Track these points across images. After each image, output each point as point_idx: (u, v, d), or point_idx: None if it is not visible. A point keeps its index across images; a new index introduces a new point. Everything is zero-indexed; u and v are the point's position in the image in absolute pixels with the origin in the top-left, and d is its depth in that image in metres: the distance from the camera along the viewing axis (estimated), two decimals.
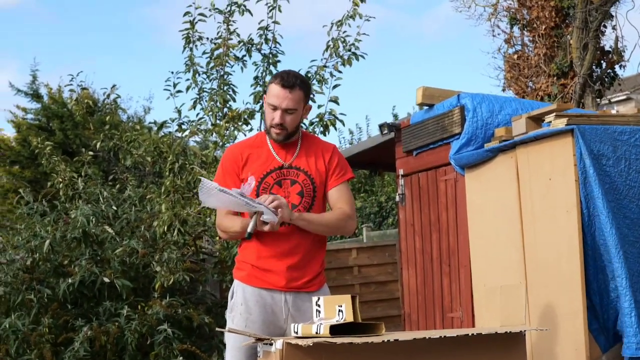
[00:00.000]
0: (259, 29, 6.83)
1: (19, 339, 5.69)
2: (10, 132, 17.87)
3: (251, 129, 6.68)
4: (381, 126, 6.26)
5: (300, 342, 2.58)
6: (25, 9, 38.69)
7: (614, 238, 4.31)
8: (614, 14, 11.21)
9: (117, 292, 5.95)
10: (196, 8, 6.77)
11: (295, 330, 2.80)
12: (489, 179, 5.13)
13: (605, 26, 11.13)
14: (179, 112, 6.87)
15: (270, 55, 6.82)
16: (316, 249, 3.38)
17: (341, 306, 2.73)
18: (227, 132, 6.59)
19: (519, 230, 4.86)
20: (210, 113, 6.79)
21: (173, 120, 6.91)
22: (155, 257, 6.15)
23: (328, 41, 6.71)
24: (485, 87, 47.80)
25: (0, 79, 40.43)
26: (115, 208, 6.68)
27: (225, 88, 6.81)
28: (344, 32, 6.67)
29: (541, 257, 4.69)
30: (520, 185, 4.87)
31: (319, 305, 2.81)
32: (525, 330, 2.99)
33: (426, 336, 2.69)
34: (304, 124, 6.51)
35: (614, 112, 6.21)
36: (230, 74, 6.87)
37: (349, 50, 6.67)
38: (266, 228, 3.14)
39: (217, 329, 3.48)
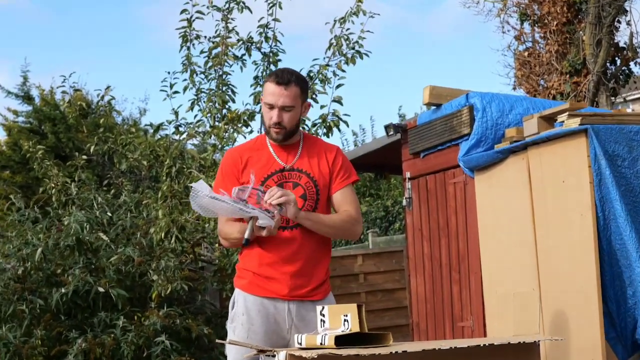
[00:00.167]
0: (258, 26, 6.84)
1: (10, 352, 5.69)
2: (0, 136, 17.93)
3: (251, 131, 6.70)
4: (387, 127, 6.25)
5: (304, 353, 2.57)
6: (15, 7, 38.79)
7: (634, 242, 4.30)
8: (628, 8, 11.20)
9: (112, 302, 5.95)
10: (193, 5, 6.78)
11: (299, 341, 2.79)
12: (500, 182, 5.12)
13: (619, 21, 11.11)
14: (176, 113, 6.87)
15: (271, 54, 6.82)
16: (321, 255, 3.37)
17: (347, 316, 2.72)
18: (226, 134, 6.59)
19: (532, 235, 4.85)
20: (209, 114, 6.79)
21: (170, 123, 6.91)
22: (152, 266, 6.16)
23: (331, 39, 6.72)
24: (495, 85, 47.85)
25: None
26: (110, 214, 6.68)
27: (224, 88, 6.82)
28: (348, 29, 6.68)
29: (555, 263, 4.67)
30: (532, 188, 4.86)
31: (323, 315, 2.81)
32: (539, 340, 2.98)
33: (436, 347, 2.68)
34: (306, 125, 6.52)
35: (629, 110, 6.19)
36: (229, 74, 6.88)
37: (353, 48, 6.67)
38: (263, 233, 3.14)
39: (217, 340, 3.48)
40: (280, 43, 6.86)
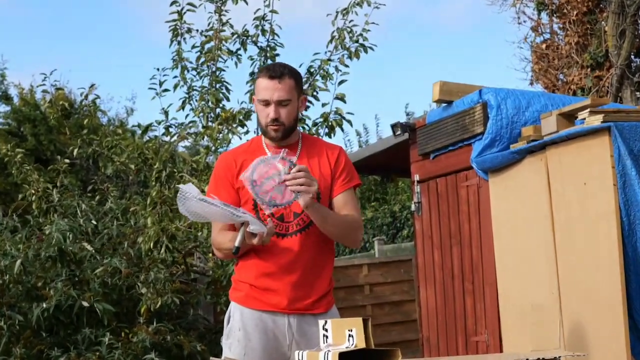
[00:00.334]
0: (254, 19, 6.84)
1: None
2: None
3: (247, 132, 6.70)
4: (394, 126, 6.26)
5: None
6: None
7: None
8: None
9: (97, 318, 5.95)
10: None
11: (300, 358, 2.79)
12: (516, 185, 5.13)
13: None
14: (166, 113, 6.88)
15: (268, 49, 6.83)
16: (323, 264, 3.37)
17: (351, 330, 2.72)
18: (220, 135, 6.59)
19: (551, 242, 4.85)
20: (201, 114, 6.80)
21: (159, 123, 6.92)
22: (140, 278, 6.15)
23: (333, 32, 6.72)
24: (510, 81, 47.76)
25: None
26: (94, 222, 6.68)
27: (217, 86, 6.82)
28: (351, 21, 6.68)
29: (576, 272, 4.67)
30: (551, 191, 4.86)
31: (326, 330, 2.81)
32: (559, 356, 2.98)
33: None
34: (307, 125, 6.52)
35: None
36: (223, 70, 6.89)
37: (356, 42, 6.67)
38: (254, 241, 3.11)
39: (211, 358, 3.47)
40: (278, 36, 6.88)
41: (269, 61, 6.77)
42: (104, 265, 6.15)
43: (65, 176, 7.39)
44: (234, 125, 6.62)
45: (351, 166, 3.48)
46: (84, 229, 6.55)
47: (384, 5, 6.59)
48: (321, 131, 6.59)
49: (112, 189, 7.59)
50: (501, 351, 5.25)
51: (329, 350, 2.71)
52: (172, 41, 6.90)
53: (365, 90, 38.44)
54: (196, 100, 6.84)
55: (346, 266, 8.84)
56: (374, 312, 8.64)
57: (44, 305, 5.87)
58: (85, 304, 5.89)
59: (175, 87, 6.87)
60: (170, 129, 6.93)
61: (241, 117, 6.65)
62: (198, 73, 6.90)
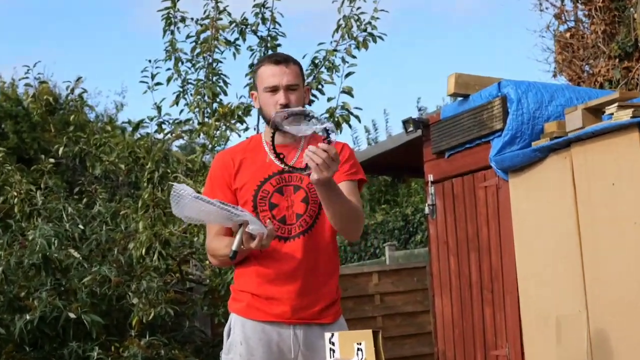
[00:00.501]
0: (254, 6, 6.85)
1: None
2: None
3: (247, 128, 6.70)
4: (405, 122, 6.26)
5: None
6: None
7: None
8: None
9: (85, 330, 5.96)
10: None
11: None
12: (539, 185, 5.13)
13: None
14: (159, 108, 6.88)
15: (269, 38, 6.84)
16: (329, 269, 3.37)
17: (360, 344, 2.72)
18: (218, 132, 6.59)
19: (577, 247, 4.85)
20: (197, 109, 6.80)
21: (152, 119, 6.92)
22: (131, 287, 6.17)
23: (339, 20, 6.72)
24: (532, 72, 47.86)
25: None
26: (82, 227, 6.70)
27: (214, 79, 6.83)
28: (358, 8, 6.68)
29: (604, 280, 4.67)
30: (576, 192, 4.86)
31: (333, 344, 2.81)
32: None
33: None
34: None
35: None
36: (221, 62, 6.90)
37: (365, 30, 6.68)
38: (253, 244, 3.10)
39: None
40: (280, 25, 6.89)
41: (270, 52, 6.78)
42: (92, 273, 6.17)
43: (50, 177, 7.40)
44: (232, 122, 6.63)
45: (356, 161, 3.48)
46: (70, 234, 6.56)
47: None
48: None
49: (100, 190, 7.61)
50: None
51: None
52: (165, 31, 6.90)
53: (374, 84, 38.45)
54: (191, 95, 6.85)
55: (355, 274, 8.83)
56: (385, 324, 8.64)
57: (28, 317, 5.88)
58: (72, 315, 5.90)
59: (169, 80, 6.88)
60: (164, 126, 6.93)
61: (240, 113, 6.65)
62: (193, 65, 6.91)
